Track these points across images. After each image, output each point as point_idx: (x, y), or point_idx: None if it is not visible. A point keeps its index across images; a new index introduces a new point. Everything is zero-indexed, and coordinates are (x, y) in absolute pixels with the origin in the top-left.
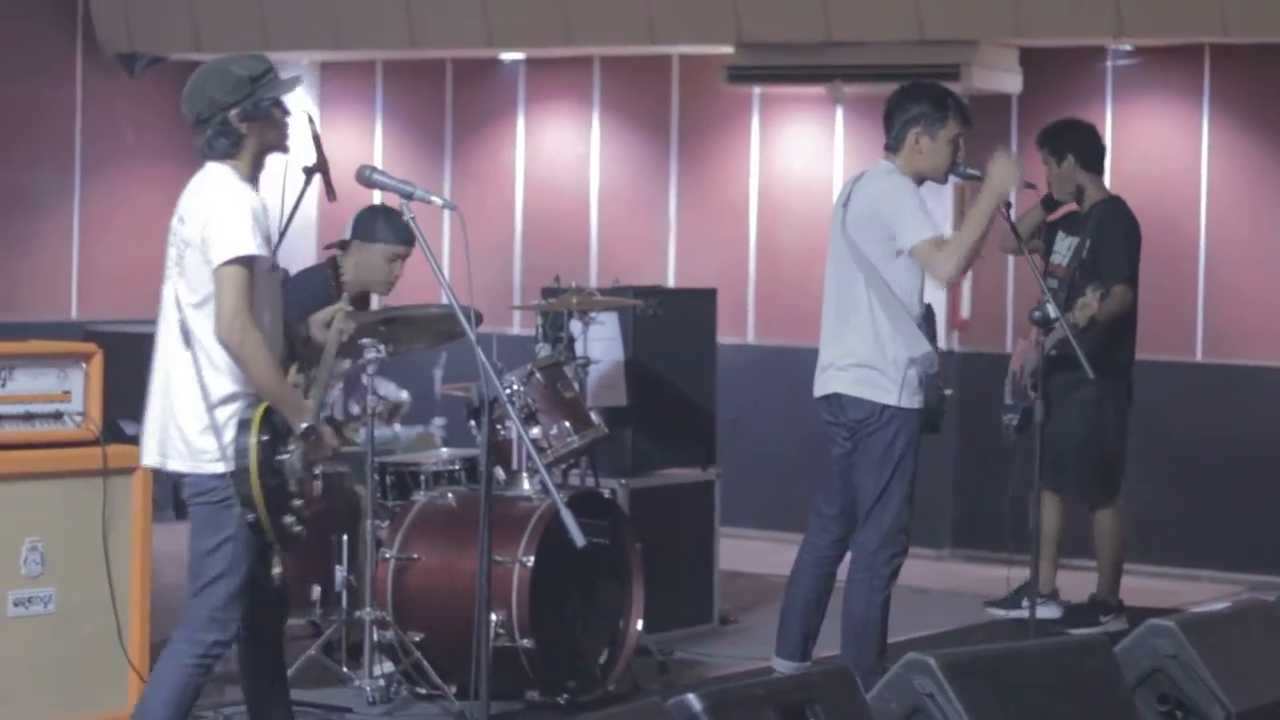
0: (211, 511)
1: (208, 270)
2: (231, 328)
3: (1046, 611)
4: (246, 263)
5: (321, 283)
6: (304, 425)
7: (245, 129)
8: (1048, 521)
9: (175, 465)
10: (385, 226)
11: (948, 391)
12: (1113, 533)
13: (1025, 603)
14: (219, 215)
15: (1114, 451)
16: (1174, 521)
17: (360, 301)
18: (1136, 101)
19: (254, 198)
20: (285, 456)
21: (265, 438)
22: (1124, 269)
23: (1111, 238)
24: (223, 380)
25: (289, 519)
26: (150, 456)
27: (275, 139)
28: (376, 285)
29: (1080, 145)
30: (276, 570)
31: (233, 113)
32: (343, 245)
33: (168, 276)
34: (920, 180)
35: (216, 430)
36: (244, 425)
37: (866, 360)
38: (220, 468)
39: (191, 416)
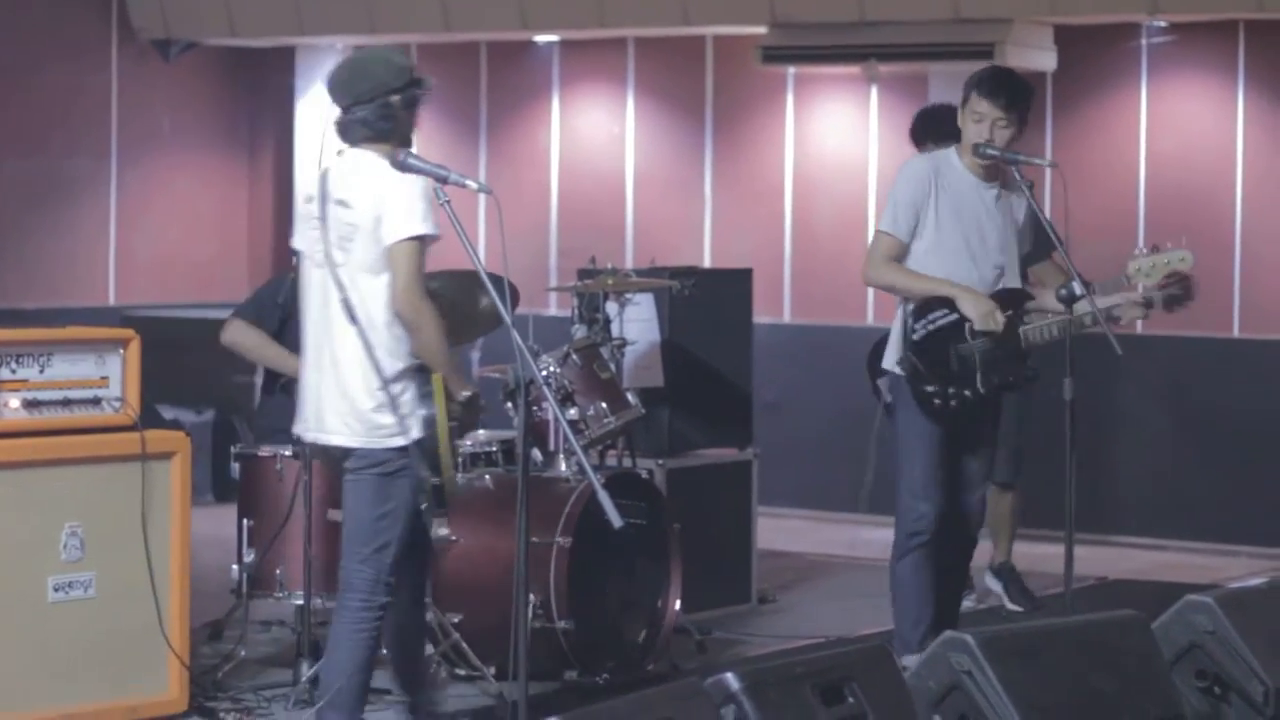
0: (382, 482)
1: (378, 250)
2: (407, 301)
3: (996, 585)
4: (420, 240)
5: (290, 286)
6: (466, 393)
7: (401, 116)
8: (1008, 504)
9: (341, 440)
10: None
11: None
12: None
13: (986, 584)
14: (393, 196)
15: None
16: (1212, 497)
17: None
18: (1171, 78)
19: (423, 179)
20: (453, 424)
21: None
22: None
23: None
24: (392, 358)
25: (460, 478)
26: (309, 430)
27: (410, 133)
28: None
29: None
30: (443, 531)
31: (395, 98)
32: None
33: (318, 262)
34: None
35: (393, 405)
36: (427, 397)
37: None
38: (398, 441)
39: (365, 394)
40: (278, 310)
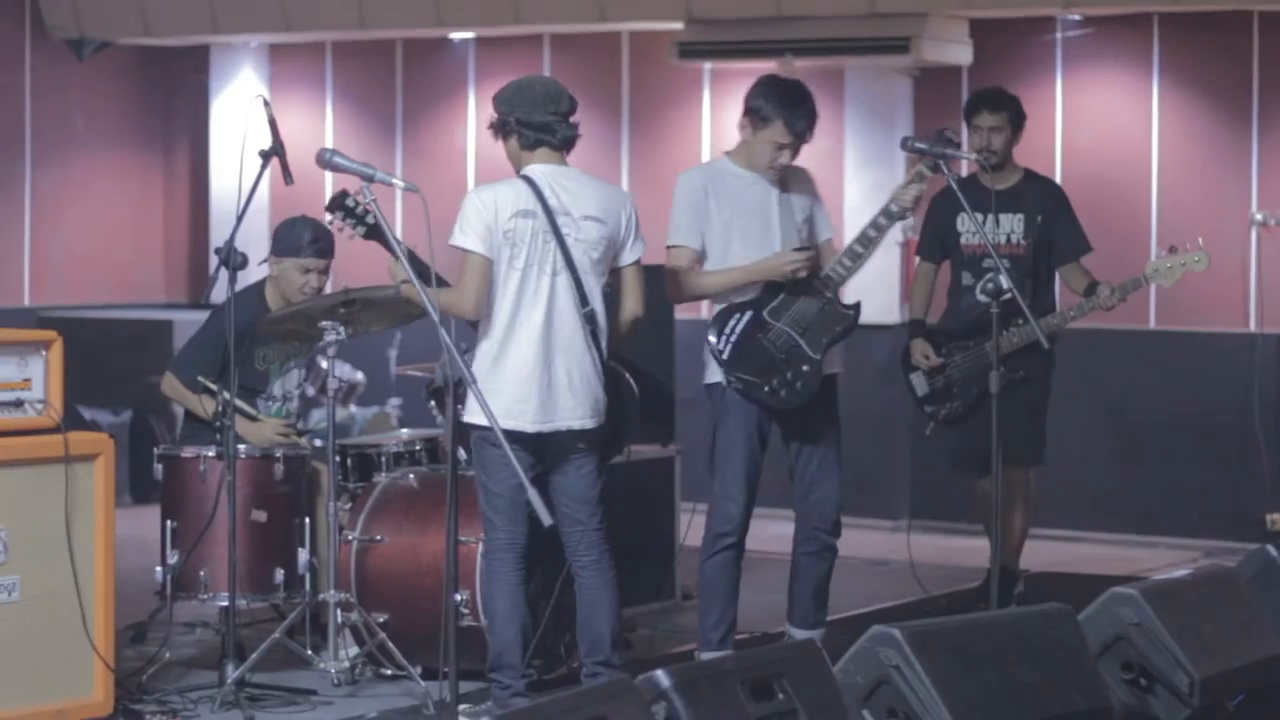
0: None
1: (608, 261)
2: (640, 314)
3: None
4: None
5: (256, 300)
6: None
7: None
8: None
9: (589, 424)
10: (297, 241)
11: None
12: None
13: None
14: (633, 218)
15: None
16: (1131, 489)
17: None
18: (1087, 71)
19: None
20: None
21: None
22: (1087, 241)
23: (1070, 212)
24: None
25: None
26: (549, 421)
27: None
28: (293, 296)
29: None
30: None
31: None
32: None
33: (549, 271)
34: None
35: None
36: None
37: None
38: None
39: (598, 382)
40: (197, 370)
